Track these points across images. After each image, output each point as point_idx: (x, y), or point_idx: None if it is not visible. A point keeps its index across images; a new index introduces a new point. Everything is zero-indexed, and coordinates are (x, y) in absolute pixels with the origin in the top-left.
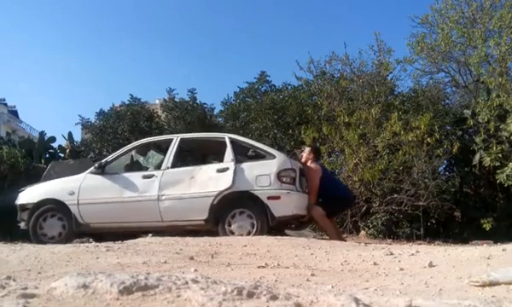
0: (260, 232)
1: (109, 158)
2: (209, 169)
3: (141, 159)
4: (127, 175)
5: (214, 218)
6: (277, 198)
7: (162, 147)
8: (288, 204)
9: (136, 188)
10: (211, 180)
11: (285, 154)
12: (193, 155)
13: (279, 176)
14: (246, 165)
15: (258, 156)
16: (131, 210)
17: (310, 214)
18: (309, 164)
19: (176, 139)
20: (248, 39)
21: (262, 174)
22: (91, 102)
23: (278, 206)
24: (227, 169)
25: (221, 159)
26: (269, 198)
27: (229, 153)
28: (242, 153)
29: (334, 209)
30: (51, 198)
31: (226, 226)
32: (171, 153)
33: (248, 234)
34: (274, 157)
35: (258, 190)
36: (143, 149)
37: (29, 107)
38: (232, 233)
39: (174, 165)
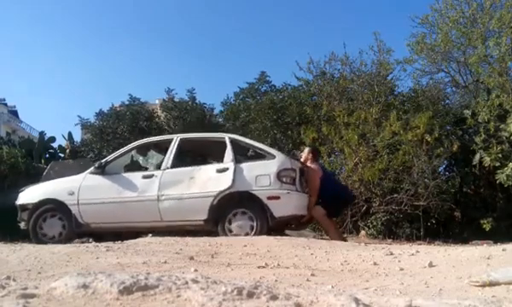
0: (260, 232)
1: (109, 158)
2: (209, 169)
3: (140, 159)
4: (127, 175)
5: (214, 219)
6: (277, 198)
7: (162, 148)
8: (288, 204)
9: (136, 188)
10: (210, 180)
11: (285, 154)
12: (193, 155)
13: (279, 176)
14: (246, 165)
15: (258, 156)
16: (131, 210)
17: (310, 214)
18: (308, 164)
19: (176, 139)
20: (248, 39)
21: (262, 174)
22: (91, 102)
23: (278, 206)
24: (227, 169)
25: (221, 160)
26: (269, 198)
27: (228, 154)
28: (242, 153)
29: (334, 209)
30: (51, 198)
31: (226, 226)
32: (170, 154)
33: (248, 234)
34: (274, 157)
35: (258, 190)
36: (143, 149)
37: (29, 107)
38: (232, 234)
39: (174, 166)
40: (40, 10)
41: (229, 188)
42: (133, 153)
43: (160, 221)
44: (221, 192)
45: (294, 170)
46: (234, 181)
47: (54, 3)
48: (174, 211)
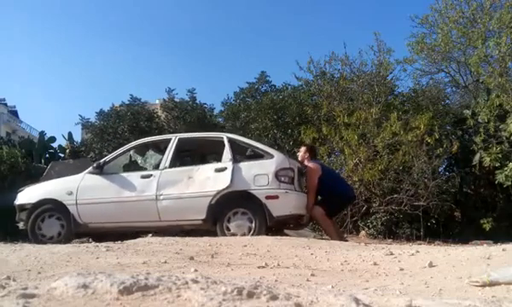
0: (258, 232)
1: (107, 158)
2: (207, 168)
3: (139, 158)
4: (125, 175)
5: (212, 218)
6: (276, 197)
7: (160, 147)
8: (287, 203)
9: (135, 188)
10: (209, 179)
11: (284, 154)
12: (191, 155)
13: (277, 175)
14: (244, 165)
15: (257, 155)
16: (130, 209)
17: (308, 214)
18: (306, 162)
19: (174, 139)
20: (248, 39)
21: (260, 173)
22: (91, 102)
23: (276, 206)
24: (225, 168)
25: (219, 159)
26: (267, 197)
27: (227, 153)
28: (241, 153)
29: (334, 208)
30: (50, 198)
31: (224, 226)
32: (169, 153)
33: (246, 234)
34: (272, 156)
35: (257, 190)
36: (142, 149)
37: (29, 107)
38: (230, 233)
39: (172, 165)
40: (40, 10)
41: (227, 188)
42: (131, 152)
43: (159, 221)
44: (219, 191)
45: (293, 169)
46: (232, 180)
47: (54, 3)
48: (172, 211)
